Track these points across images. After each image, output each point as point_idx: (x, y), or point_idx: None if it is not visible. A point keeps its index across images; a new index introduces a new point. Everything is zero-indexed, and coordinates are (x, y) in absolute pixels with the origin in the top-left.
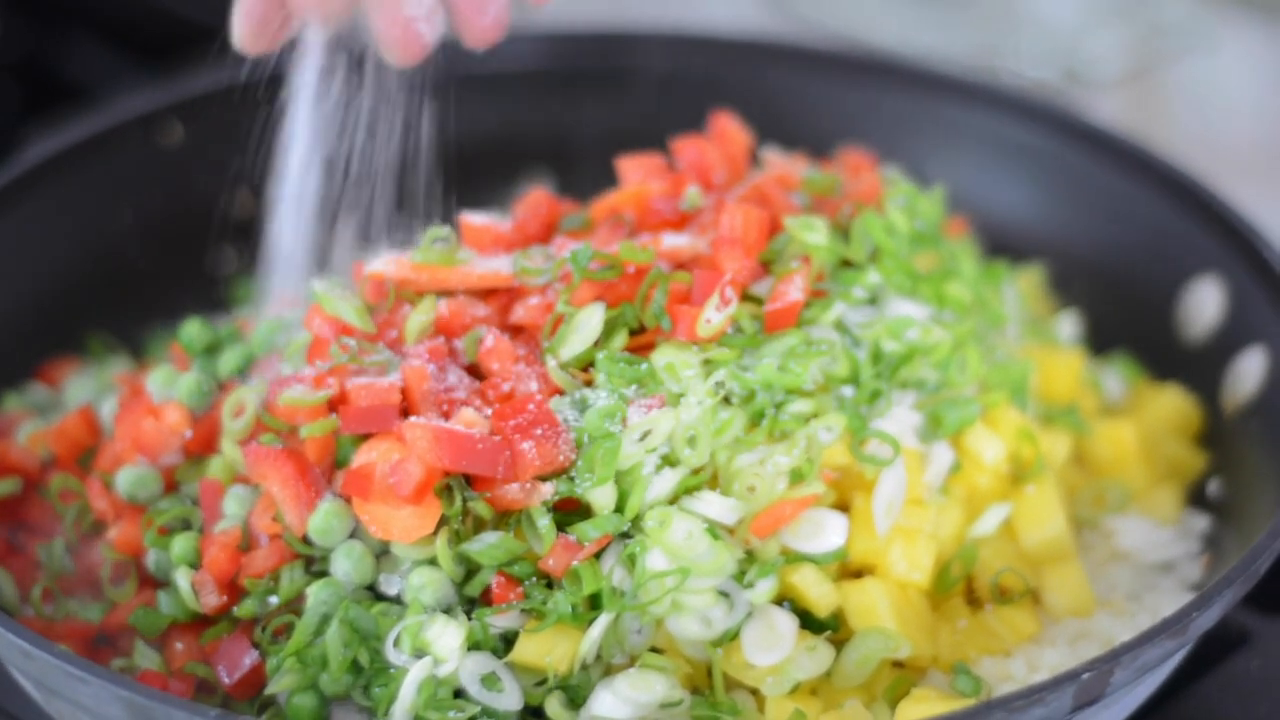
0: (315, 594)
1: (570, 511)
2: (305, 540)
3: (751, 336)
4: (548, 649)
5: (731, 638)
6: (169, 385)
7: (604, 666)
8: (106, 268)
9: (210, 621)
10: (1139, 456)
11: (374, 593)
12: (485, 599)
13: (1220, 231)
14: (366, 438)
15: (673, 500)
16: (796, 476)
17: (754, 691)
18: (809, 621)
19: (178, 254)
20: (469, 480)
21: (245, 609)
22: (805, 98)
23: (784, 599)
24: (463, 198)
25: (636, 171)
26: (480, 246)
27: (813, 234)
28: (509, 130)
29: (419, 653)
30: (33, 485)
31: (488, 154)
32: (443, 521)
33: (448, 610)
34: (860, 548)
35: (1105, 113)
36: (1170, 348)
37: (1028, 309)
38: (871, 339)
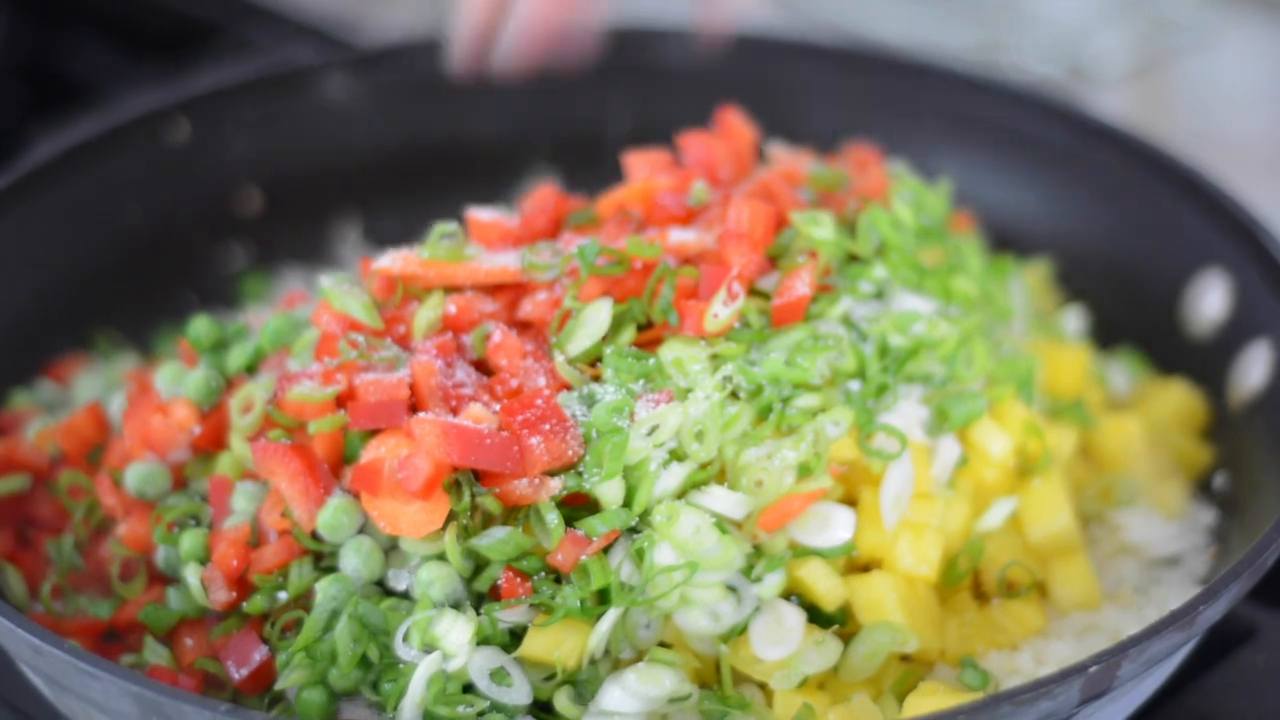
0: (324, 589)
1: (578, 506)
2: (314, 536)
3: (759, 331)
4: (556, 644)
5: (739, 632)
6: (177, 382)
7: (612, 661)
8: (114, 265)
9: (220, 617)
10: (1145, 451)
11: (383, 588)
12: (494, 594)
13: (1226, 226)
14: (375, 433)
15: (680, 495)
16: (804, 471)
17: (762, 685)
18: (817, 616)
19: (185, 251)
20: (477, 475)
21: (254, 605)
22: (812, 93)
23: (791, 593)
24: (470, 193)
25: (643, 167)
26: (488, 242)
27: (819, 229)
28: (516, 126)
29: (428, 648)
30: (42, 482)
31: (495, 149)
32: (451, 517)
33: (456, 605)
34: (868, 542)
35: (1110, 108)
36: (1176, 342)
37: (1034, 303)
38: (878, 333)
